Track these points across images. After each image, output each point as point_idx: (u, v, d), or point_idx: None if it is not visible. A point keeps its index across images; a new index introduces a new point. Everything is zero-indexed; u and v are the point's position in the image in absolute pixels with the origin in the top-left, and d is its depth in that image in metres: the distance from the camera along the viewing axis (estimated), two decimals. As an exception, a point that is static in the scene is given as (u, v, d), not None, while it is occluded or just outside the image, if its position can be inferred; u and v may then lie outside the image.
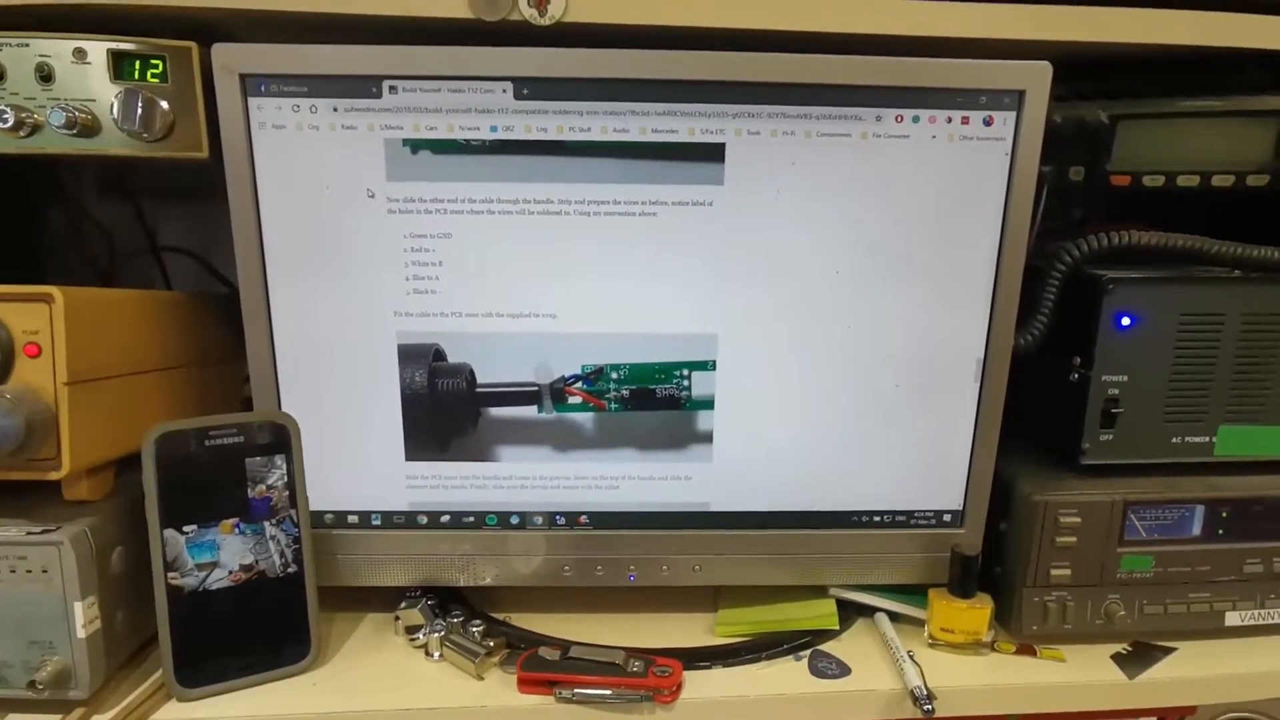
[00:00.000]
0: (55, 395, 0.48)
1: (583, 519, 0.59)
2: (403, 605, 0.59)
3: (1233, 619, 0.59)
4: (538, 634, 0.59)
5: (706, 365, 0.56)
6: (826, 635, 0.60)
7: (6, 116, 0.50)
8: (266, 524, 0.53)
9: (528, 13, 0.50)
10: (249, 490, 0.53)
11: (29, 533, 0.48)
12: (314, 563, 0.55)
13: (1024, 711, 0.56)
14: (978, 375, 0.57)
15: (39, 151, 0.51)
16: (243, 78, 0.51)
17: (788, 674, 0.56)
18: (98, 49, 0.51)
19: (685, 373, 0.56)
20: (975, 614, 0.57)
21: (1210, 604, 0.59)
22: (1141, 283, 0.56)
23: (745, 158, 0.53)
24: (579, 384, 0.56)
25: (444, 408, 0.56)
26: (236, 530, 0.53)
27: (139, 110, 0.51)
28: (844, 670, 0.56)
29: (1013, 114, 0.53)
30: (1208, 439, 0.59)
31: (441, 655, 0.56)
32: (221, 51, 0.50)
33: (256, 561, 0.53)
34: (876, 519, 0.60)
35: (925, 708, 0.52)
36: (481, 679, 0.54)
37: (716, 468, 0.58)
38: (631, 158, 0.53)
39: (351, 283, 0.54)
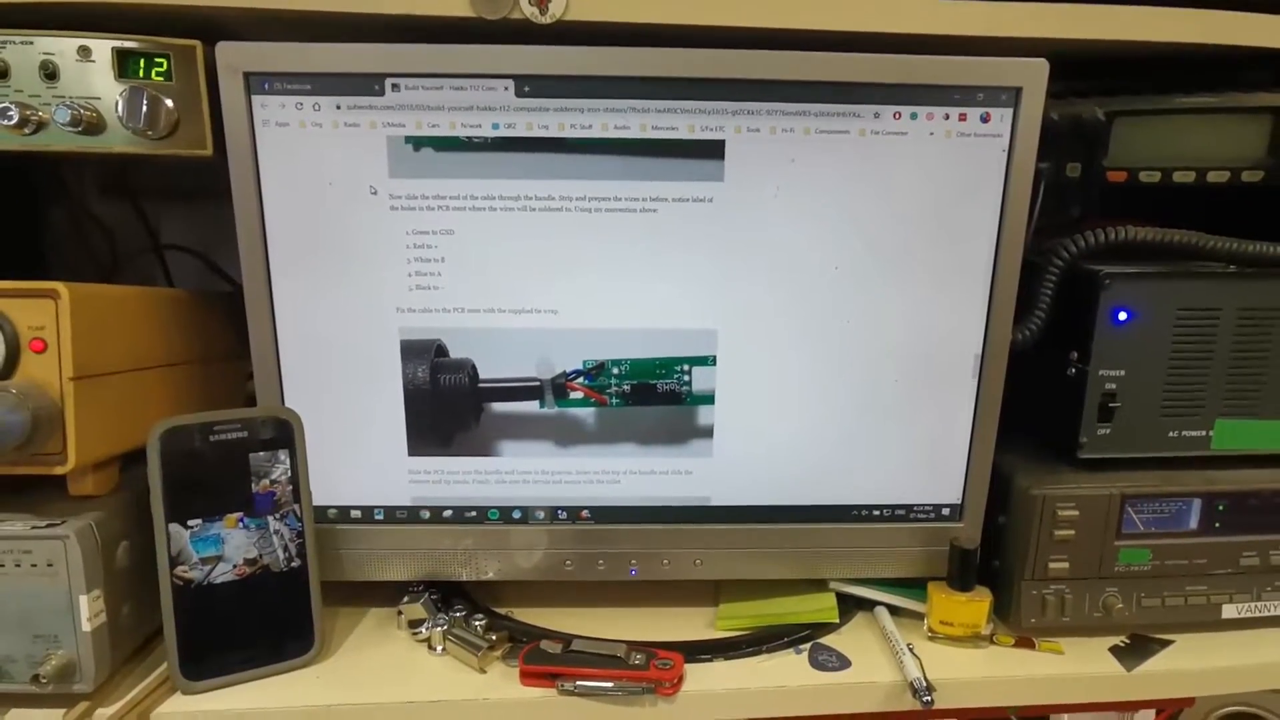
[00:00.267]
0: (61, 390, 0.48)
1: (584, 513, 0.60)
2: (405, 600, 0.59)
3: (1230, 611, 0.59)
4: (540, 628, 0.59)
5: (707, 360, 0.57)
6: (826, 628, 0.60)
7: (11, 114, 0.50)
8: (270, 518, 0.54)
9: (529, 11, 0.51)
10: (253, 485, 0.53)
11: (34, 527, 0.48)
12: (317, 557, 0.55)
13: (1023, 703, 0.56)
14: (976, 370, 0.58)
15: (44, 149, 0.52)
16: (246, 76, 0.51)
17: (788, 667, 0.56)
18: (102, 47, 0.51)
19: (686, 368, 0.57)
20: (974, 607, 0.57)
21: (1207, 597, 0.59)
22: (1138, 278, 0.56)
23: (745, 155, 0.53)
24: (580, 379, 0.57)
25: (446, 403, 0.57)
26: (241, 525, 0.53)
27: (144, 108, 0.51)
28: (844, 663, 0.56)
29: (1010, 111, 0.53)
30: (1204, 433, 0.59)
31: (444, 649, 0.57)
32: (225, 50, 0.50)
33: (260, 556, 0.54)
34: (876, 513, 0.60)
35: (925, 699, 0.52)
36: (484, 672, 0.55)
37: (717, 462, 0.59)
38: (632, 155, 0.53)
39: (354, 279, 0.55)
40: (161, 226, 0.79)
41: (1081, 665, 0.57)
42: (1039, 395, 0.62)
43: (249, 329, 0.55)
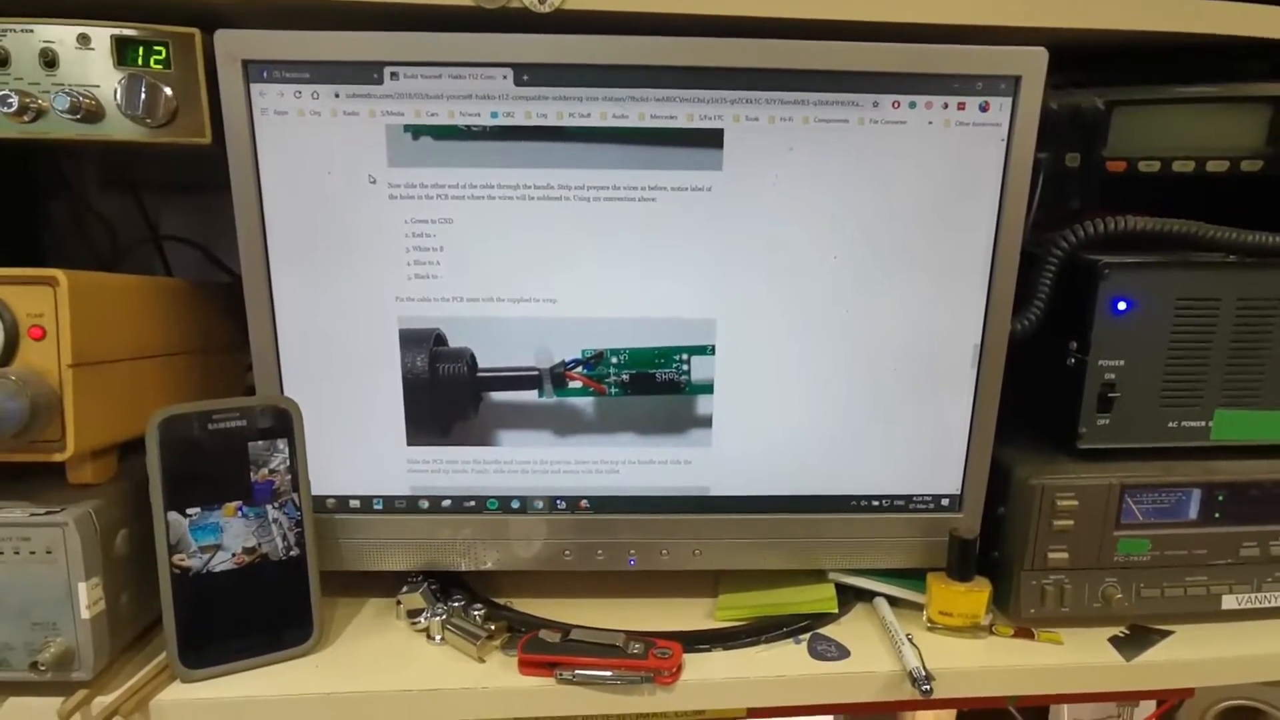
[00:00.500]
0: (60, 378, 0.48)
1: (583, 503, 0.60)
2: (404, 589, 0.59)
3: (1229, 602, 0.59)
4: (538, 618, 0.59)
5: (706, 350, 0.57)
6: (826, 619, 0.60)
7: (11, 101, 0.50)
8: (269, 507, 0.54)
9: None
10: (252, 474, 0.53)
11: (33, 514, 0.48)
12: (316, 545, 0.55)
13: (1022, 693, 0.56)
14: (975, 360, 0.58)
15: (43, 136, 0.52)
16: (245, 64, 0.51)
17: (787, 656, 0.56)
18: (101, 35, 0.51)
19: (685, 357, 0.57)
20: (973, 597, 0.57)
21: (1207, 587, 0.59)
22: (1137, 268, 0.56)
23: (743, 143, 0.53)
24: (579, 369, 0.57)
25: (445, 392, 0.57)
26: (239, 513, 0.53)
27: (142, 96, 0.51)
28: (843, 653, 0.56)
29: (1009, 100, 0.53)
30: (1204, 423, 0.59)
31: (443, 639, 0.57)
32: (224, 38, 0.50)
33: (259, 544, 0.54)
34: (875, 503, 0.60)
35: (924, 688, 0.52)
36: (483, 661, 0.55)
37: (716, 452, 0.59)
38: (631, 143, 0.53)
39: (353, 268, 0.55)
40: (161, 219, 0.79)
41: (1081, 655, 0.57)
42: (1038, 386, 0.62)
43: (248, 318, 0.55)
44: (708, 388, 0.58)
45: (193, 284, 0.64)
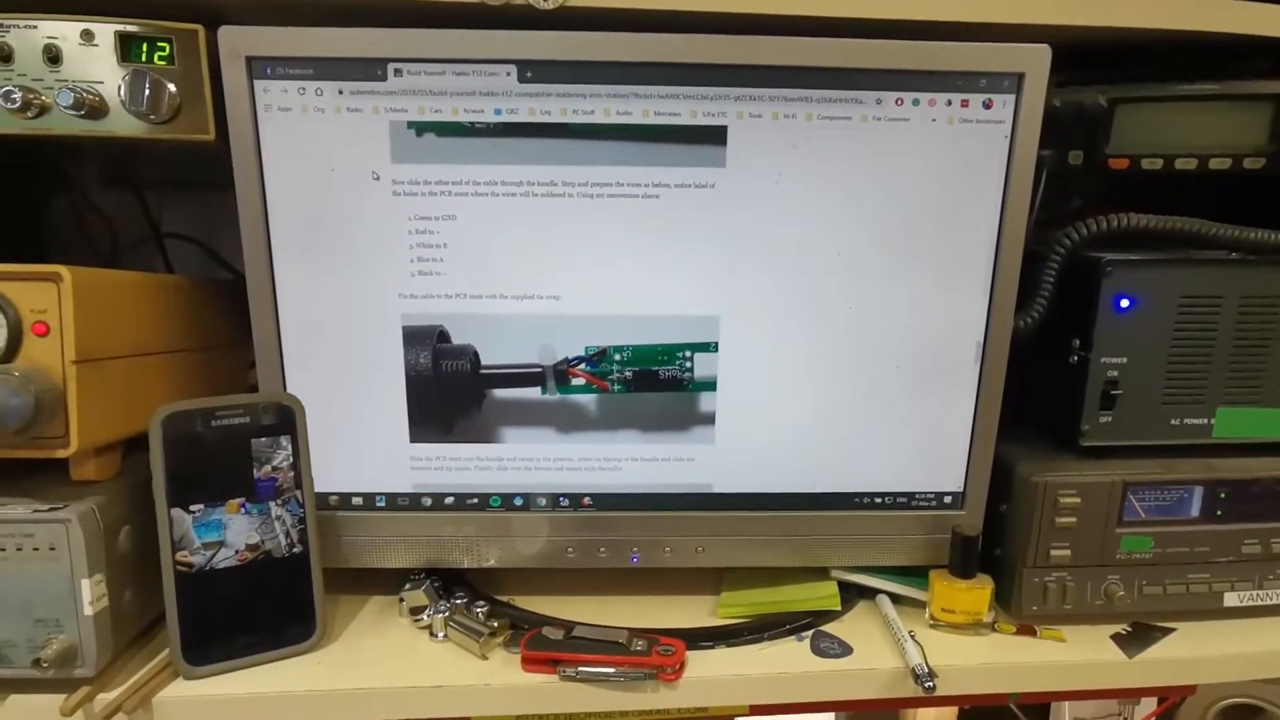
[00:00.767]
0: (63, 374, 0.48)
1: (586, 500, 0.60)
2: (407, 587, 0.59)
3: (1231, 600, 0.59)
4: (541, 615, 0.59)
5: (709, 347, 0.57)
6: (828, 616, 0.60)
7: (14, 97, 0.50)
8: (272, 504, 0.54)
9: (532, -4, 0.51)
10: (255, 471, 0.53)
11: (36, 510, 0.48)
12: (319, 542, 0.55)
13: (1024, 690, 0.56)
14: (978, 357, 0.58)
15: (46, 132, 0.52)
16: (249, 60, 0.51)
17: (790, 654, 0.56)
18: (105, 31, 0.51)
19: (688, 354, 0.57)
20: (976, 594, 0.57)
21: (1209, 584, 0.59)
22: (1140, 265, 0.56)
23: (747, 140, 0.53)
24: (582, 365, 0.57)
25: (448, 389, 0.57)
26: (242, 510, 0.53)
27: (146, 92, 0.51)
28: (846, 650, 0.56)
29: (1012, 97, 0.53)
30: (1206, 421, 0.60)
31: (446, 636, 0.57)
32: (228, 34, 0.50)
33: (262, 541, 0.54)
34: (878, 500, 0.60)
35: (926, 685, 0.52)
36: (486, 658, 0.55)
37: (719, 449, 0.59)
38: (634, 140, 0.53)
39: (356, 265, 0.55)
40: (162, 217, 0.79)
41: (1083, 653, 0.57)
42: (1041, 383, 0.62)
43: (251, 314, 0.55)
44: (711, 385, 0.58)
45: (195, 281, 0.64)
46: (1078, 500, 0.57)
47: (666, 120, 0.53)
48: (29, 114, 0.51)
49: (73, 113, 0.51)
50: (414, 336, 0.56)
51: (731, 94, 0.52)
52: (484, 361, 0.57)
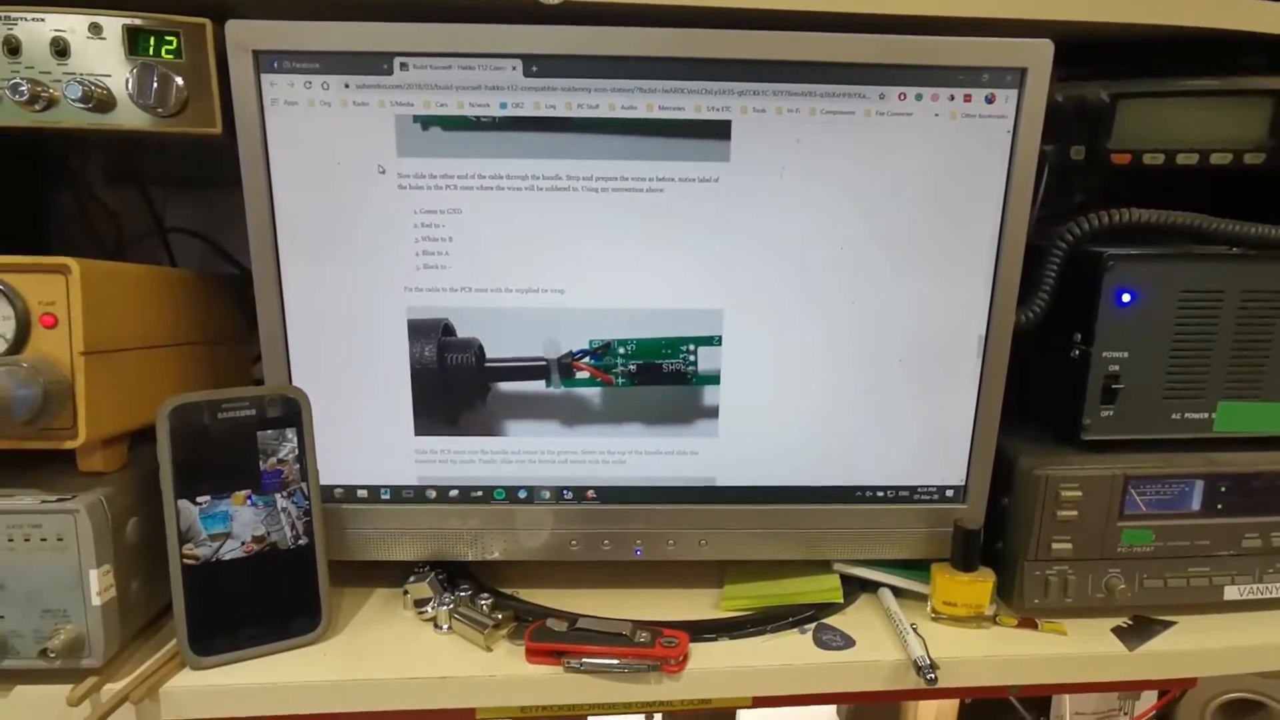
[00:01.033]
0: (71, 365, 0.48)
1: (590, 493, 0.60)
2: (411, 579, 0.59)
3: (1231, 593, 0.60)
4: (545, 607, 0.59)
5: (713, 340, 0.57)
6: (831, 609, 0.60)
7: (22, 90, 0.50)
8: (278, 496, 0.54)
9: (538, -10, 0.51)
10: (261, 463, 0.54)
11: (44, 501, 0.48)
12: (324, 534, 0.56)
13: (1026, 682, 0.57)
14: (980, 351, 0.58)
15: (54, 125, 0.52)
16: (256, 54, 0.51)
17: (792, 646, 0.56)
18: (113, 24, 0.51)
19: (692, 348, 0.57)
20: (977, 587, 0.58)
21: (1209, 578, 0.59)
22: (1142, 260, 0.57)
23: (751, 135, 0.54)
24: (586, 359, 0.57)
25: (453, 382, 0.57)
26: (249, 502, 0.53)
27: (154, 85, 0.51)
28: (848, 642, 0.57)
29: (1014, 92, 0.53)
30: (1207, 415, 0.60)
31: (450, 628, 0.57)
32: (235, 28, 0.51)
33: (268, 533, 0.54)
34: (880, 494, 0.61)
35: (929, 677, 0.53)
36: (490, 650, 0.55)
37: (722, 443, 0.59)
38: (639, 134, 0.53)
39: (362, 258, 0.55)
40: (166, 213, 0.79)
41: (1084, 645, 0.57)
42: (1042, 377, 0.62)
43: (257, 307, 0.55)
44: (714, 378, 0.58)
45: (201, 275, 0.64)
46: (1079, 494, 0.57)
47: (671, 115, 0.53)
48: (37, 107, 0.51)
49: (80, 106, 0.51)
50: (419, 330, 0.56)
51: (735, 89, 0.53)
52: (489, 355, 0.57)
